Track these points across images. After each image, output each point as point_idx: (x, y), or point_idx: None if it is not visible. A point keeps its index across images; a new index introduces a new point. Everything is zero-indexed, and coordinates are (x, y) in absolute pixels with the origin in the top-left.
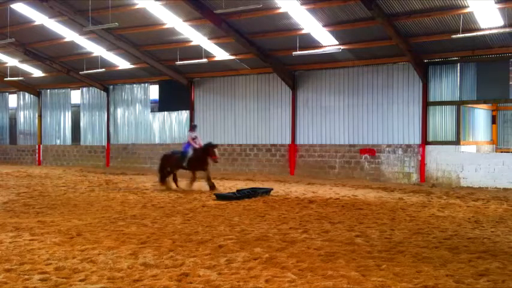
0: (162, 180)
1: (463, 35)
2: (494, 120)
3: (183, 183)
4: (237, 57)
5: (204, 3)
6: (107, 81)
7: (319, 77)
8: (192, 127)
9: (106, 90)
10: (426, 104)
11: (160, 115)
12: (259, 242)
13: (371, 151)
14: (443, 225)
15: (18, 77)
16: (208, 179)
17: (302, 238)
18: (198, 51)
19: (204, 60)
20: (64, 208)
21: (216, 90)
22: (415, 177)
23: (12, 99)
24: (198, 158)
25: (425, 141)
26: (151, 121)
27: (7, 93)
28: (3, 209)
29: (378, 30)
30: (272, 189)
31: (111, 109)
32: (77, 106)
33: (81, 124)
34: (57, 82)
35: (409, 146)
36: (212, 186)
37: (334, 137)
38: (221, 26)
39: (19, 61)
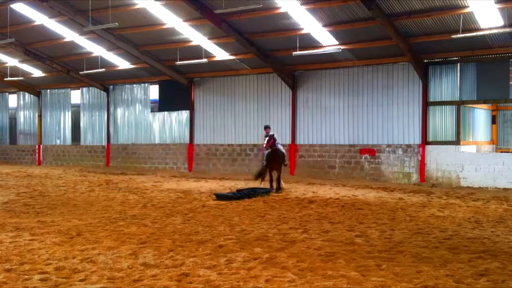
0: (258, 177)
1: (463, 35)
2: (494, 120)
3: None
4: (237, 57)
5: (204, 3)
6: (107, 81)
7: (319, 77)
8: (265, 128)
9: (106, 90)
10: (426, 104)
11: (160, 115)
12: (259, 242)
13: (371, 151)
14: (443, 225)
15: (18, 77)
16: (278, 180)
17: (302, 238)
18: (198, 51)
19: (204, 60)
20: (64, 208)
21: (216, 90)
22: (415, 177)
23: (12, 99)
24: (270, 157)
25: (425, 141)
26: (151, 121)
27: (7, 93)
28: (3, 209)
29: (378, 30)
30: (272, 189)
31: (111, 109)
32: (77, 106)
33: (81, 124)
34: (57, 82)
35: (409, 146)
36: (278, 189)
37: (334, 137)
38: (221, 26)
39: (19, 61)
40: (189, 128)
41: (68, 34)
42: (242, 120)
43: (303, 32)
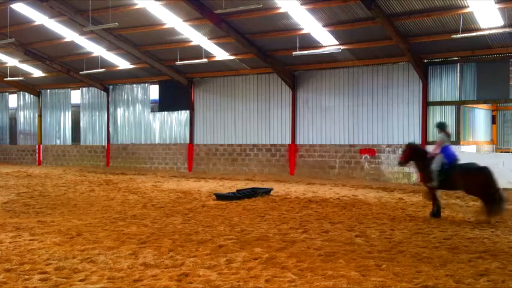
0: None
1: (463, 35)
2: (494, 120)
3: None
4: (237, 57)
5: (204, 3)
6: (107, 81)
7: (319, 77)
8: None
9: (106, 90)
10: (426, 104)
11: (160, 115)
12: (259, 242)
13: (371, 151)
14: (443, 225)
15: (18, 77)
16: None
17: (302, 238)
18: (198, 51)
19: (204, 60)
20: (64, 208)
21: (216, 90)
22: (415, 177)
23: (12, 99)
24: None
25: (425, 141)
26: (151, 121)
27: (7, 93)
28: (3, 209)
29: (378, 30)
30: (272, 189)
31: (111, 109)
32: (77, 106)
33: (81, 124)
34: (57, 82)
35: None
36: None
37: (334, 137)
38: (221, 26)
39: (19, 61)
40: (189, 128)
41: (68, 34)
42: (242, 120)
43: (303, 32)
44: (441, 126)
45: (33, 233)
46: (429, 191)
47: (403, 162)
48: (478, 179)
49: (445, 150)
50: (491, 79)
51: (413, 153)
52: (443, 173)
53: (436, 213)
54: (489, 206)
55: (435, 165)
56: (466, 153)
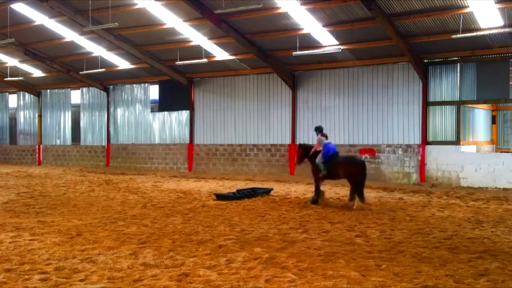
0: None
1: (463, 35)
2: (494, 120)
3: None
4: (237, 57)
5: (204, 3)
6: (107, 81)
7: (319, 77)
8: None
9: (106, 90)
10: (426, 104)
11: (160, 115)
12: (259, 242)
13: (371, 151)
14: (443, 225)
15: (18, 77)
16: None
17: (302, 238)
18: (198, 51)
19: (204, 60)
20: (64, 208)
21: (216, 90)
22: (415, 177)
23: (12, 99)
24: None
25: (425, 141)
26: (151, 121)
27: (7, 93)
28: (3, 209)
29: (378, 30)
30: (272, 189)
31: (111, 109)
32: (77, 106)
33: (81, 124)
34: (57, 82)
35: (409, 146)
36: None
37: (334, 137)
38: (221, 26)
39: (19, 61)
40: (189, 128)
41: (68, 34)
42: (242, 120)
43: (303, 32)
44: (318, 130)
45: (33, 233)
46: (316, 181)
47: (298, 161)
48: (355, 170)
49: (326, 147)
50: (491, 79)
51: (305, 152)
52: (327, 166)
53: (315, 201)
54: (357, 194)
55: (318, 159)
56: (466, 153)
